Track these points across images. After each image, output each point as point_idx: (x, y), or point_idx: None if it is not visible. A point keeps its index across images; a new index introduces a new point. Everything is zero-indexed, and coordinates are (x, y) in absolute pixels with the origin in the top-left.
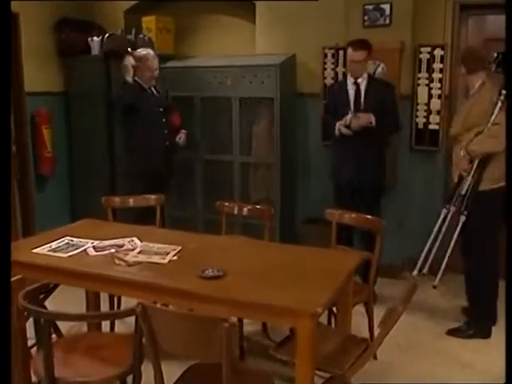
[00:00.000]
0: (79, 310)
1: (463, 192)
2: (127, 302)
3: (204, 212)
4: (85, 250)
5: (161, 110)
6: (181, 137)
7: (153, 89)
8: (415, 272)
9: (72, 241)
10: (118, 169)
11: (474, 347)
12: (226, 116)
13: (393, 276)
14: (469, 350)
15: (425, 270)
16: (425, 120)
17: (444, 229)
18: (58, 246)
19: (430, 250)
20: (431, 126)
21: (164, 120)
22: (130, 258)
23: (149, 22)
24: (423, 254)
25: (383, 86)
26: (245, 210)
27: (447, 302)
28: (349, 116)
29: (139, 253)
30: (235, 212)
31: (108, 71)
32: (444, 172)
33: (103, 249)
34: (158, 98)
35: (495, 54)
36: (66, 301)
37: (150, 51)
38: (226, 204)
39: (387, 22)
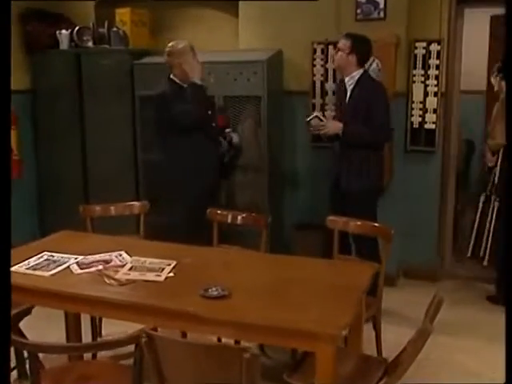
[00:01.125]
0: (56, 328)
1: (495, 182)
2: (108, 323)
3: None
4: (68, 267)
5: (209, 113)
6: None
7: (190, 87)
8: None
9: (52, 256)
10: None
11: (481, 357)
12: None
13: (388, 283)
14: (476, 361)
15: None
16: (420, 119)
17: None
18: (38, 263)
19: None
20: (427, 126)
21: (214, 125)
22: (121, 275)
23: (123, 14)
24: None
25: (371, 88)
26: (239, 218)
27: (453, 313)
28: (314, 117)
29: (130, 269)
30: (229, 220)
31: (79, 66)
32: (441, 174)
33: (89, 265)
34: (204, 99)
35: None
36: (40, 320)
37: (185, 42)
38: (219, 212)
39: (381, 15)
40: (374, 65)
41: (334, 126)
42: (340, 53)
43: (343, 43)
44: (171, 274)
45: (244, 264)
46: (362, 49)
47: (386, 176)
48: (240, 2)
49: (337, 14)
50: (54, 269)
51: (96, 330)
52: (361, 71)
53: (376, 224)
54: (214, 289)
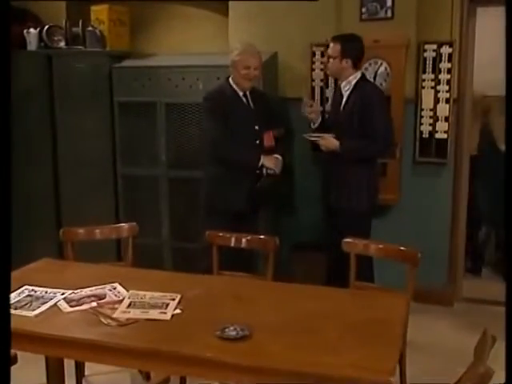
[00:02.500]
0: (34, 367)
1: None
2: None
3: (171, 239)
4: (55, 304)
5: (256, 127)
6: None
7: (248, 95)
8: None
9: (34, 291)
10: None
11: None
12: (197, 125)
13: None
14: None
15: None
16: (430, 128)
17: None
18: (18, 301)
19: None
20: (438, 135)
21: (258, 142)
22: (120, 314)
23: (99, 12)
24: None
25: (369, 93)
26: (243, 240)
27: (463, 338)
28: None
29: (129, 306)
30: (232, 244)
31: (49, 70)
32: (453, 188)
33: (79, 302)
34: (253, 110)
35: None
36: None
37: (248, 45)
38: (220, 234)
39: (389, 14)
40: (382, 68)
41: (330, 144)
42: (331, 60)
43: (332, 49)
44: (178, 311)
45: (258, 295)
46: (354, 50)
47: (393, 190)
48: (230, 1)
49: (338, 12)
50: (39, 307)
51: (80, 371)
52: (358, 75)
53: (402, 248)
54: (231, 328)
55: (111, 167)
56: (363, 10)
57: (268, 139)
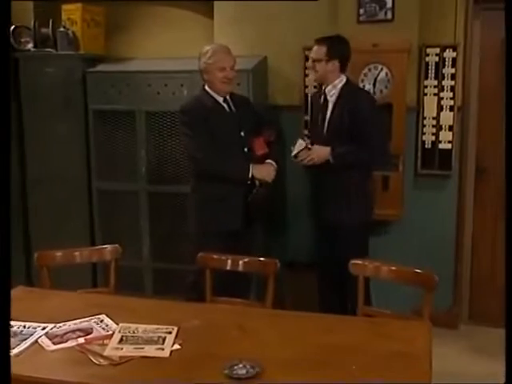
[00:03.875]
0: None
1: None
2: None
3: (152, 259)
4: (36, 341)
5: (242, 134)
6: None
7: (229, 100)
8: None
9: (11, 326)
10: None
11: None
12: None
13: None
14: None
15: None
16: (433, 137)
17: None
18: None
19: None
20: (442, 145)
21: (246, 150)
22: (111, 351)
23: (71, 11)
24: None
25: (359, 98)
26: (241, 263)
27: (475, 362)
28: (298, 144)
29: (121, 342)
30: (228, 266)
31: (16, 74)
32: (457, 202)
33: (63, 338)
34: (236, 116)
35: None
36: None
37: (218, 45)
38: (214, 257)
39: (389, 16)
40: (383, 74)
41: (321, 153)
42: (318, 64)
43: (317, 51)
44: (177, 346)
45: (262, 326)
46: (341, 51)
47: (395, 205)
48: (215, 2)
49: (333, 14)
50: (18, 345)
51: None
52: (343, 78)
53: (418, 270)
54: (240, 365)
55: (86, 181)
56: (361, 11)
57: (260, 146)
